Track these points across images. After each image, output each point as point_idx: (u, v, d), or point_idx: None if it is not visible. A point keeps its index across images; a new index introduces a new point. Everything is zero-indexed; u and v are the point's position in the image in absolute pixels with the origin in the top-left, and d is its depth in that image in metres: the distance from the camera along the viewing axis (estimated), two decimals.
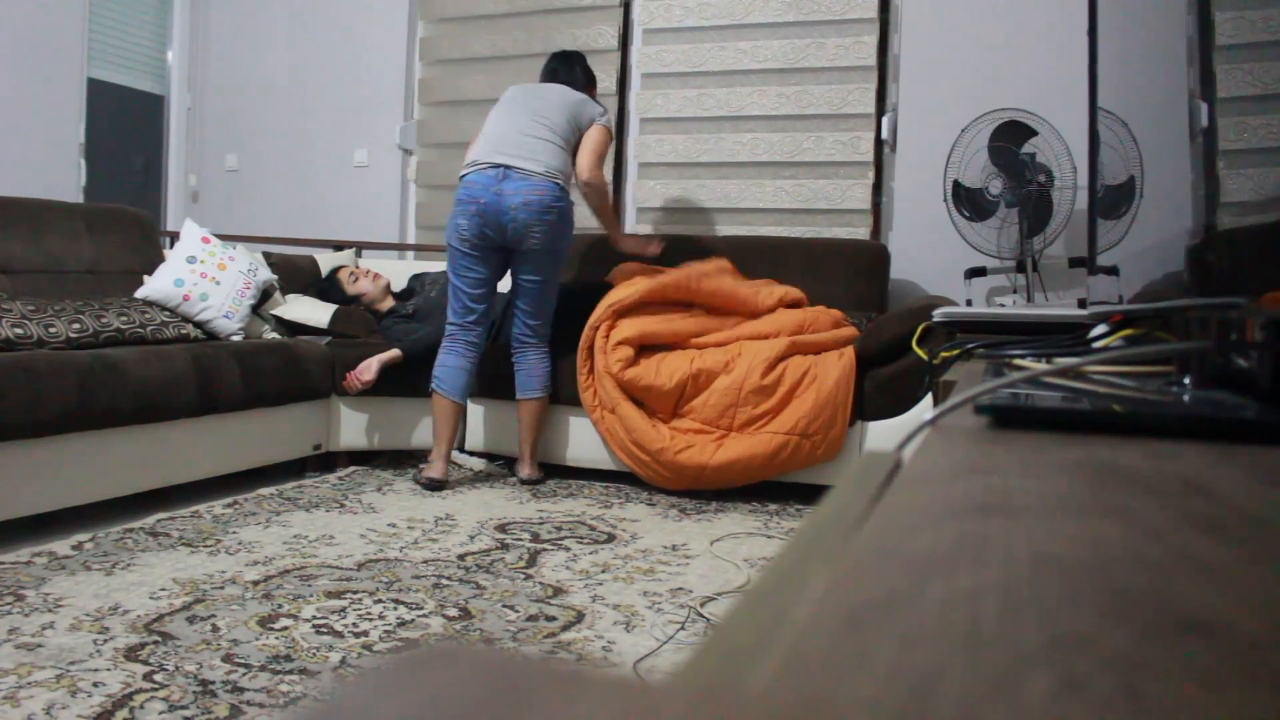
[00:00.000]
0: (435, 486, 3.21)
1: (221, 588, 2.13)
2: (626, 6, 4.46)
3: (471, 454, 3.65)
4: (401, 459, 3.67)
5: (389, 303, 3.88)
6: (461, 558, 2.44)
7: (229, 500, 2.95)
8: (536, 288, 3.29)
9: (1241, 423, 0.55)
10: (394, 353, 3.47)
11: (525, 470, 3.37)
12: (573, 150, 3.31)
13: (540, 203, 3.13)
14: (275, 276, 3.76)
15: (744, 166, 4.25)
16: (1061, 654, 0.22)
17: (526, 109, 3.29)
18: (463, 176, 3.21)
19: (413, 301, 3.83)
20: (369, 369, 3.41)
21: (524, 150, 3.18)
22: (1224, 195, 0.79)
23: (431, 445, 3.30)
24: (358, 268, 3.96)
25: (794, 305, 3.53)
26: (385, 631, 1.91)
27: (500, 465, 3.60)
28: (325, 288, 3.92)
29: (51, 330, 2.83)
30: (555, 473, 3.53)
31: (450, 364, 3.26)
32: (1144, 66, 1.05)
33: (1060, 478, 0.44)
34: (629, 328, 3.32)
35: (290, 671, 1.69)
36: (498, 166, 3.15)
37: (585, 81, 3.52)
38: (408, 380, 3.51)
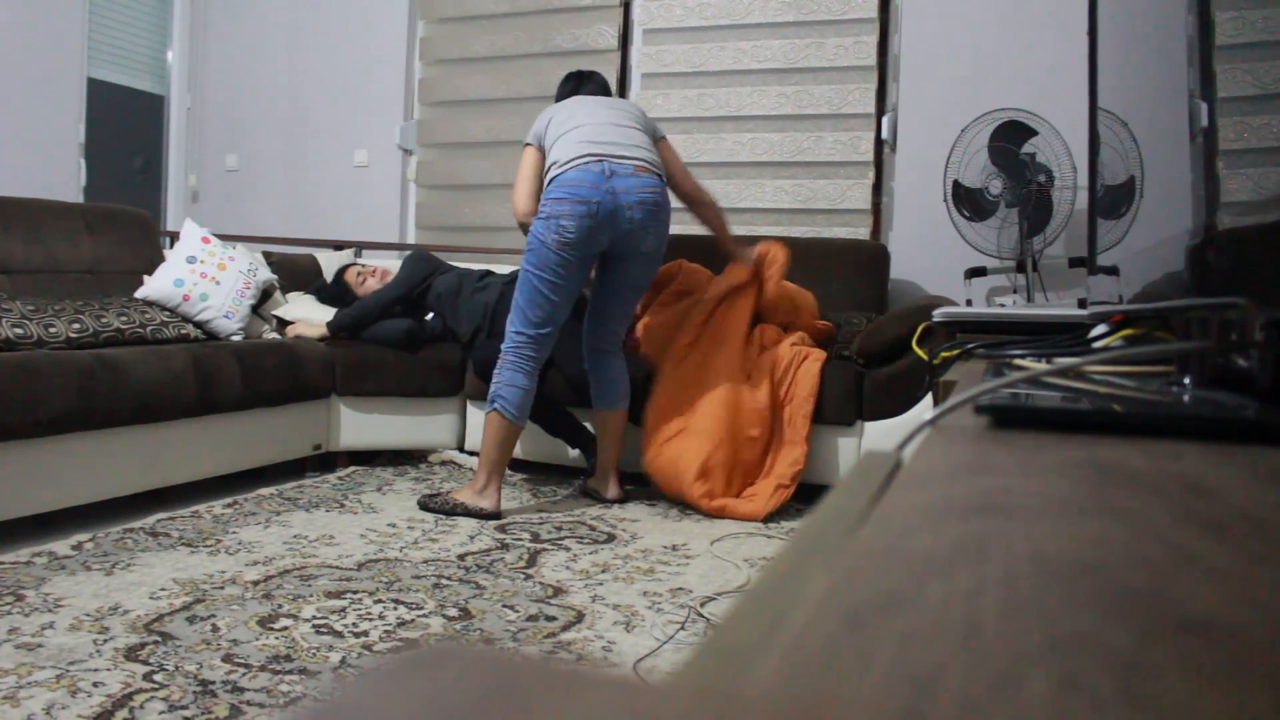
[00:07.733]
0: (492, 518, 2.87)
1: (221, 588, 2.13)
2: (626, 6, 4.46)
3: (471, 454, 3.65)
4: (401, 459, 3.67)
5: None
6: (461, 558, 2.44)
7: (229, 500, 2.95)
8: (636, 294, 3.10)
9: (1241, 423, 0.55)
10: (321, 330, 3.54)
11: (613, 490, 3.13)
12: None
13: (653, 201, 2.89)
14: (275, 276, 3.76)
15: (744, 166, 4.25)
16: (1061, 654, 0.22)
17: (604, 107, 3.00)
18: (555, 177, 2.85)
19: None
20: (295, 329, 3.59)
21: (622, 139, 2.90)
22: (1224, 195, 0.79)
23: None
24: (365, 266, 3.88)
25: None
26: (385, 631, 1.91)
27: None
28: (336, 291, 3.80)
29: (51, 330, 2.83)
30: (555, 473, 3.53)
31: (521, 384, 2.89)
32: (1144, 66, 1.05)
33: (1060, 478, 0.44)
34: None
35: (290, 671, 1.69)
36: (601, 160, 2.83)
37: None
38: (407, 380, 3.51)
